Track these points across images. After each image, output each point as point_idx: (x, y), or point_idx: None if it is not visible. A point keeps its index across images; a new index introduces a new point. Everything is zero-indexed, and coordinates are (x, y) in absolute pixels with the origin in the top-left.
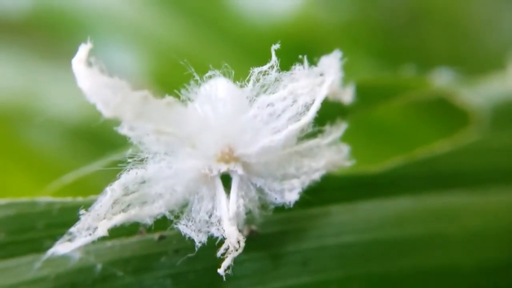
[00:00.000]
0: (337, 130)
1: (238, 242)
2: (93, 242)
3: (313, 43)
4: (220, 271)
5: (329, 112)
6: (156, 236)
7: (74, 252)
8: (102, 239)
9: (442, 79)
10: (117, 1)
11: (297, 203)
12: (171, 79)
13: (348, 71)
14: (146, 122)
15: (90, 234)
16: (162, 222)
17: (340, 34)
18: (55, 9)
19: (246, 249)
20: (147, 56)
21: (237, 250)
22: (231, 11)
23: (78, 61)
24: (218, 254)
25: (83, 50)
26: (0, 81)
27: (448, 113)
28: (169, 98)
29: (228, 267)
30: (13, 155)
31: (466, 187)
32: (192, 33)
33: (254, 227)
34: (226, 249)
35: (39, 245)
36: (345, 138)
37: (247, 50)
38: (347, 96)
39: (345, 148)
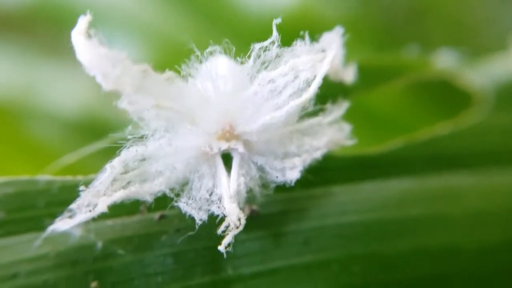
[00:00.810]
0: (338, 108)
1: (239, 219)
2: (94, 220)
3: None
4: (221, 248)
5: (330, 91)
6: (156, 215)
7: (75, 229)
8: (103, 217)
9: (444, 61)
10: None
11: (298, 183)
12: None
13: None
14: (145, 96)
15: (90, 211)
16: (163, 202)
17: None
18: (55, 3)
19: (247, 228)
20: (149, 48)
21: (237, 227)
22: (232, 4)
23: (78, 33)
24: (219, 231)
25: (83, 21)
26: (0, 75)
27: (450, 95)
28: (169, 73)
29: (229, 245)
30: (14, 145)
31: (467, 169)
32: (193, 25)
33: (255, 207)
34: (227, 227)
35: (39, 223)
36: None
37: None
38: (349, 75)
39: (346, 127)
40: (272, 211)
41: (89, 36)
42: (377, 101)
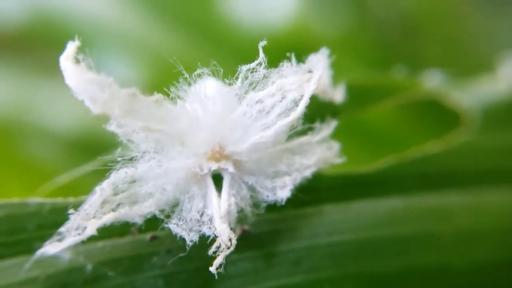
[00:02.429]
0: (327, 127)
1: (230, 240)
2: (84, 242)
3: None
4: (212, 269)
5: (319, 111)
6: (148, 236)
7: (64, 252)
8: (93, 239)
9: (433, 81)
10: (112, 13)
11: (289, 203)
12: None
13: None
14: (134, 119)
15: (79, 234)
16: (154, 222)
17: (334, 46)
18: (51, 21)
19: (239, 248)
20: (143, 66)
21: (229, 248)
22: (226, 21)
23: (66, 58)
24: (210, 252)
25: (71, 47)
26: None
27: (438, 115)
28: (157, 96)
29: (220, 265)
30: (10, 165)
31: (457, 187)
32: (186, 42)
33: (246, 227)
34: (218, 247)
35: (30, 246)
36: (336, 140)
37: (241, 60)
38: (338, 95)
39: (335, 145)
40: (263, 230)
41: (77, 61)
42: (368, 119)
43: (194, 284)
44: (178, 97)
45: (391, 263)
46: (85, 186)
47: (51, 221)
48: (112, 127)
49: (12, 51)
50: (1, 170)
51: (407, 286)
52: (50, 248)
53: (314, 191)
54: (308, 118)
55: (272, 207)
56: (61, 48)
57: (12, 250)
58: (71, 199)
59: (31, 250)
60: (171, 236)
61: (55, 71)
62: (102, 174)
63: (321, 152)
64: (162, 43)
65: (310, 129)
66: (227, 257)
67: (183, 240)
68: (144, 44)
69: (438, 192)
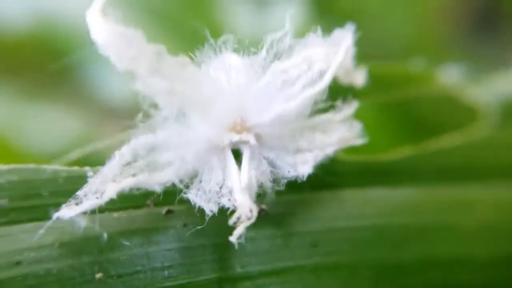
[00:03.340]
0: (349, 107)
1: (251, 211)
2: (100, 212)
3: None
4: (232, 238)
5: (341, 91)
6: (163, 210)
7: (80, 218)
8: (109, 210)
9: (451, 75)
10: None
11: (308, 186)
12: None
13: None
14: (159, 78)
15: (97, 198)
16: (170, 197)
17: None
18: (51, 27)
19: (256, 226)
20: None
21: (249, 219)
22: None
23: (93, 11)
24: (230, 222)
25: (99, 1)
26: None
27: (455, 109)
28: (183, 58)
29: (240, 236)
30: None
31: (477, 181)
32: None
33: (264, 206)
34: (238, 218)
35: (44, 213)
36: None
37: None
38: (359, 78)
39: (357, 125)
40: (281, 211)
41: (105, 15)
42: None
43: (211, 260)
44: (203, 62)
45: (409, 251)
46: None
47: (66, 188)
48: (137, 86)
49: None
50: None
51: (425, 275)
52: (67, 211)
53: (332, 176)
54: (330, 97)
55: (290, 189)
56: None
57: (26, 215)
58: (87, 168)
59: (45, 216)
60: (187, 211)
61: (43, 91)
62: None
63: (342, 131)
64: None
65: (332, 107)
66: (244, 235)
67: (199, 214)
68: None
69: (458, 184)
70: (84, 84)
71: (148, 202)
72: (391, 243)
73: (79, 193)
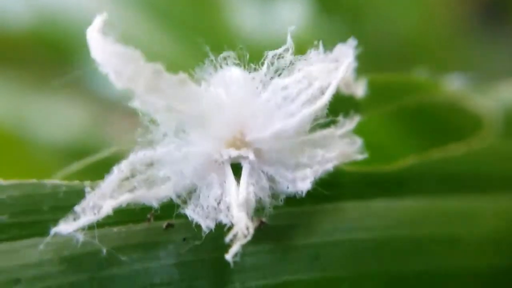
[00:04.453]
0: (350, 122)
1: (247, 228)
2: (99, 227)
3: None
4: (228, 257)
5: (342, 105)
6: (163, 224)
7: (78, 233)
8: (108, 224)
9: (454, 84)
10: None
11: (308, 198)
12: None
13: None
14: (158, 96)
15: (95, 214)
16: (169, 210)
17: None
18: (55, 24)
19: (256, 240)
20: None
21: (245, 236)
22: (230, 30)
23: (93, 30)
24: (227, 239)
25: (99, 19)
26: None
27: (458, 118)
28: (182, 75)
29: (236, 254)
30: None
31: (480, 191)
32: (193, 51)
33: (264, 219)
34: (235, 236)
35: (44, 228)
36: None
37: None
38: (360, 89)
39: (358, 141)
40: (281, 224)
41: (104, 34)
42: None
43: (209, 275)
44: (203, 79)
45: (412, 264)
46: None
47: (67, 203)
48: (135, 104)
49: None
50: None
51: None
52: (65, 227)
53: (333, 188)
54: (331, 112)
55: (291, 201)
56: (57, 61)
57: (26, 231)
58: (87, 183)
59: (46, 231)
60: (187, 224)
61: (49, 84)
62: None
63: (343, 147)
64: (170, 54)
65: (333, 122)
66: (243, 249)
67: (198, 229)
68: (149, 52)
69: (461, 194)
70: (88, 77)
71: (148, 216)
72: (393, 256)
73: (77, 208)
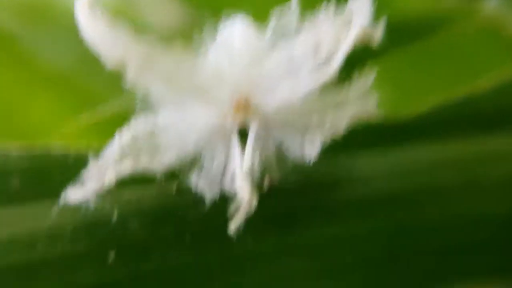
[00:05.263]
0: (365, 78)
1: (251, 197)
2: (110, 192)
3: None
4: (231, 226)
5: (356, 58)
6: (173, 188)
7: (88, 199)
8: (119, 189)
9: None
10: None
11: (321, 152)
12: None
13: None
14: (152, 72)
15: (100, 181)
16: (179, 175)
17: None
18: None
19: (266, 201)
20: None
21: (249, 205)
22: None
23: (81, 7)
24: (231, 210)
25: None
26: None
27: (497, 45)
28: (177, 45)
29: (239, 223)
30: (27, 72)
31: (507, 129)
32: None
33: (274, 179)
34: (238, 204)
35: (55, 192)
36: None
37: None
38: (376, 35)
39: (373, 97)
40: (292, 183)
41: (93, 11)
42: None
43: (221, 238)
44: (202, 46)
45: (428, 213)
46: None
47: (76, 170)
48: (130, 81)
49: None
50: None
51: (442, 236)
52: (73, 194)
53: (347, 140)
54: (344, 67)
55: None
56: None
57: (38, 197)
58: (95, 149)
59: (56, 197)
60: (196, 189)
61: None
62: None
63: (356, 105)
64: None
65: (346, 79)
66: (255, 210)
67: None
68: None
69: (486, 134)
70: None
71: (158, 180)
72: (407, 207)
73: (83, 176)
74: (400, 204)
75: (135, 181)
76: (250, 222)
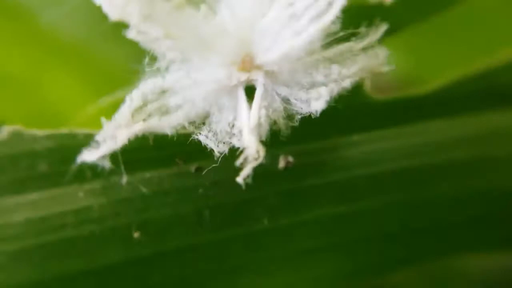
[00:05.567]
0: (374, 32)
1: (258, 151)
2: (132, 172)
3: None
4: (239, 179)
5: (367, 15)
6: (192, 167)
7: (103, 160)
8: (141, 169)
9: None
10: None
11: (335, 130)
12: None
13: None
14: (154, 25)
15: (113, 142)
16: (198, 153)
17: None
18: None
19: (282, 179)
20: None
21: (256, 159)
22: None
23: None
24: (237, 163)
25: None
26: None
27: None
28: (178, 0)
29: (248, 176)
30: (43, 46)
31: None
32: None
33: (290, 158)
34: (245, 159)
35: (81, 175)
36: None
37: None
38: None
39: (382, 52)
40: (307, 161)
41: None
42: None
43: (240, 215)
44: (203, 1)
45: (440, 188)
46: None
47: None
48: (131, 34)
49: None
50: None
51: (455, 210)
52: (88, 155)
53: (360, 118)
54: (354, 23)
55: (317, 135)
56: None
57: (65, 179)
58: None
59: (83, 179)
60: (216, 167)
61: None
62: None
63: (364, 60)
64: None
65: (355, 34)
66: (269, 189)
67: (228, 172)
68: None
69: (501, 109)
70: None
71: (177, 160)
72: (419, 183)
73: (98, 137)
74: (412, 179)
75: (156, 162)
76: (266, 201)
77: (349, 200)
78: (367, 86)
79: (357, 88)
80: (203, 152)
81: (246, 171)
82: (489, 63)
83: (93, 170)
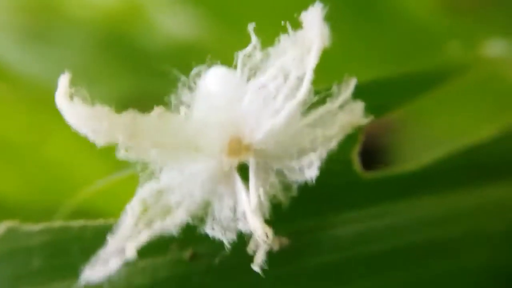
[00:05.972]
0: (346, 88)
1: (266, 233)
2: (125, 264)
3: None
4: (254, 266)
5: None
6: (187, 254)
7: (107, 276)
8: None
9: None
10: None
11: (328, 208)
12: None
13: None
14: (141, 140)
15: (120, 257)
16: (192, 236)
17: None
18: None
19: (277, 260)
20: None
21: (265, 242)
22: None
23: (60, 96)
24: (249, 249)
25: (63, 83)
26: None
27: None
28: (158, 110)
29: (262, 261)
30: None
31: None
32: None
33: (284, 239)
34: (256, 244)
35: (75, 270)
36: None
37: None
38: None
39: (358, 106)
40: (302, 242)
41: (71, 96)
42: None
43: None
44: (181, 102)
45: (433, 268)
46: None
47: (94, 243)
48: (121, 154)
49: None
50: None
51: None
52: (92, 274)
53: (351, 197)
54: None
55: (310, 213)
56: None
57: (58, 274)
58: (111, 220)
59: (76, 274)
60: (211, 251)
61: None
62: None
63: (343, 118)
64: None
65: (328, 95)
66: (266, 272)
67: (224, 257)
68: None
69: (490, 184)
70: None
71: (172, 246)
72: (413, 262)
73: (102, 254)
74: (407, 258)
75: (149, 250)
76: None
77: (344, 283)
78: (356, 163)
79: (346, 165)
80: (197, 234)
81: (260, 256)
82: (474, 139)
83: (86, 263)
